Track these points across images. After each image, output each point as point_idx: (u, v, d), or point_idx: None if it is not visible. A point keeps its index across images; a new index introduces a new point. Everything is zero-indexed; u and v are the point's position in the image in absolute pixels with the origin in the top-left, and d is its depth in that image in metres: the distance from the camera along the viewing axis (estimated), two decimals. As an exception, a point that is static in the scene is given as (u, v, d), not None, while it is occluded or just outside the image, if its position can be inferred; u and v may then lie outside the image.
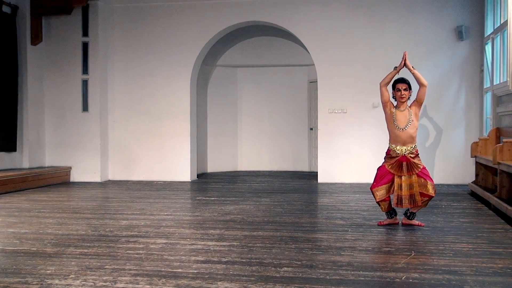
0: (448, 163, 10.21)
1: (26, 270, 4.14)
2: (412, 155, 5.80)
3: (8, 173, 9.35)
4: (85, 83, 10.88)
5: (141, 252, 4.69)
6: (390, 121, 5.92)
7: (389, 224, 5.95)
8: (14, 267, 4.23)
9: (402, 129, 5.81)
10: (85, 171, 10.90)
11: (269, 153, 13.30)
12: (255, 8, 10.76)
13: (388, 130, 5.98)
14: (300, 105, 13.13)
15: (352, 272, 4.03)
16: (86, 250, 4.77)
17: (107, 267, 4.20)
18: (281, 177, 11.58)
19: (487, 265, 4.22)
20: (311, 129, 12.92)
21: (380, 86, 5.94)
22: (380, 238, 5.22)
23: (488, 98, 9.65)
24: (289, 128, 13.16)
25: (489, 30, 9.58)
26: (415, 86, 5.85)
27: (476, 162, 8.83)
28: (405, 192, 5.76)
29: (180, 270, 4.10)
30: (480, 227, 5.88)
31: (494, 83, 9.03)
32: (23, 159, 10.50)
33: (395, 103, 5.97)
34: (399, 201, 5.77)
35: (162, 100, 11.05)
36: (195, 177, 11.33)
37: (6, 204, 7.73)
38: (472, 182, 8.89)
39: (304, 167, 13.11)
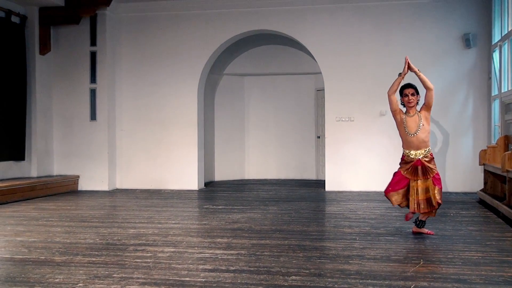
0: (456, 171, 10.16)
1: (35, 278, 4.15)
2: (426, 159, 5.80)
3: (17, 182, 9.39)
4: (93, 92, 10.93)
5: (149, 260, 4.69)
6: (401, 127, 5.93)
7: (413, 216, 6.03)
8: (23, 275, 4.24)
9: (413, 134, 5.83)
10: (93, 179, 10.93)
11: (276, 162, 13.29)
12: (262, 17, 10.79)
13: (400, 136, 5.99)
14: (307, 113, 13.13)
15: (361, 281, 4.01)
16: (94, 259, 4.77)
17: (115, 275, 4.20)
18: (289, 186, 11.56)
19: (497, 273, 4.19)
20: (318, 137, 12.91)
21: (388, 95, 5.95)
22: (389, 247, 5.20)
23: (496, 106, 9.61)
24: (296, 136, 13.15)
25: (496, 37, 9.56)
26: (423, 91, 5.85)
27: (485, 170, 8.79)
28: (421, 196, 5.76)
29: (188, 279, 4.10)
30: (489, 235, 5.84)
31: (502, 91, 9.00)
32: (31, 168, 10.55)
33: (404, 110, 5.97)
34: (418, 206, 5.76)
35: (169, 109, 11.09)
36: (202, 186, 11.33)
37: (14, 213, 7.76)
38: (480, 190, 8.85)
39: (312, 175, 13.08)
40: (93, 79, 10.92)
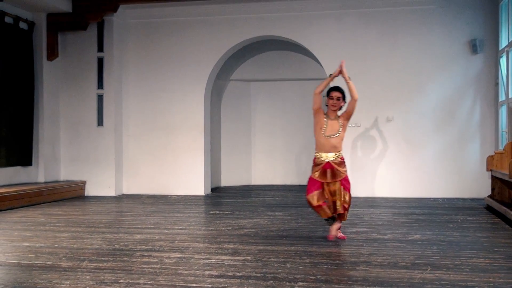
0: (463, 177, 10.12)
1: (42, 284, 4.16)
2: (336, 162, 5.88)
3: (24, 187, 9.42)
4: (100, 98, 10.97)
5: (155, 266, 4.69)
6: (318, 128, 6.00)
7: (339, 229, 5.99)
8: (30, 281, 4.25)
9: (328, 137, 5.91)
10: (99, 185, 10.95)
11: (283, 167, 13.28)
12: (268, 23, 10.81)
13: (315, 137, 6.06)
14: (313, 119, 13.08)
15: (368, 287, 3.99)
16: (100, 264, 4.78)
17: (121, 281, 4.21)
18: (295, 191, 11.54)
19: (505, 280, 4.17)
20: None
21: (314, 93, 6.01)
22: (396, 253, 5.18)
23: (503, 112, 9.58)
24: (302, 142, 13.13)
25: (503, 43, 9.54)
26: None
27: (492, 176, 8.75)
28: (331, 198, 5.87)
29: (194, 285, 4.10)
30: (497, 241, 5.81)
31: (509, 96, 8.97)
32: (38, 173, 10.58)
33: (326, 111, 6.07)
34: (334, 208, 5.87)
35: (176, 115, 11.11)
36: (209, 191, 11.34)
37: (21, 218, 7.78)
38: (488, 196, 8.80)
39: (318, 181, 13.04)
40: (100, 85, 10.96)
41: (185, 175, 11.04)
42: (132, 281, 4.21)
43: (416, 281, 4.14)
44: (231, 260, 4.93)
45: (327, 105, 6.04)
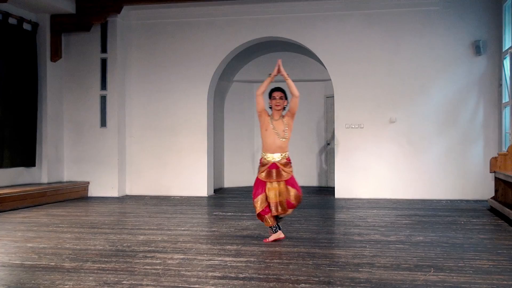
0: (466, 178, 10.11)
1: (45, 285, 4.16)
2: (281, 163, 5.92)
3: (27, 188, 9.44)
4: (103, 99, 10.99)
5: (158, 267, 4.69)
6: (263, 129, 6.03)
7: (275, 240, 5.92)
8: (33, 281, 4.26)
9: (275, 138, 5.94)
10: (103, 186, 10.97)
11: (286, 168, 13.25)
12: (271, 24, 10.81)
13: (262, 138, 6.08)
14: (316, 120, 13.12)
15: (371, 289, 3.99)
16: (103, 265, 4.78)
17: (124, 282, 4.21)
18: (298, 193, 11.53)
19: (508, 282, 4.15)
20: (328, 144, 12.89)
21: (256, 95, 6.04)
22: (399, 255, 5.17)
23: (506, 113, 9.56)
24: (305, 143, 13.14)
25: (507, 44, 9.53)
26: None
27: (495, 178, 8.74)
28: (276, 199, 5.87)
29: (197, 286, 4.09)
30: (501, 243, 5.79)
31: (513, 98, 8.96)
32: (42, 174, 10.60)
33: (270, 112, 6.09)
34: (276, 208, 5.87)
35: (179, 116, 11.12)
36: (212, 192, 11.34)
37: (25, 219, 7.79)
38: (491, 198, 8.79)
39: (321, 182, 13.06)
40: (103, 85, 10.98)
41: (188, 176, 11.04)
42: (135, 282, 4.21)
43: (419, 283, 4.13)
44: (234, 261, 4.93)
45: (270, 107, 6.10)
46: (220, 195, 11.16)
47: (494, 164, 8.78)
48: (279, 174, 5.89)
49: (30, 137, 10.29)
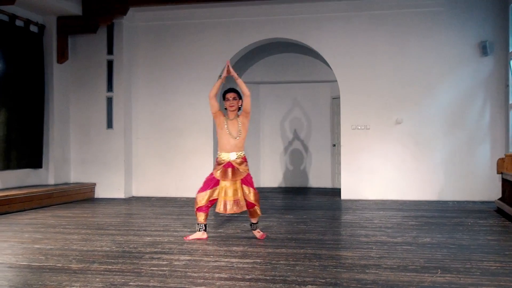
0: (473, 179, 10.07)
1: (52, 286, 4.17)
2: (237, 161, 6.04)
3: (34, 190, 9.47)
4: (109, 101, 11.02)
5: (165, 268, 4.70)
6: (219, 130, 6.14)
7: (197, 240, 6.09)
8: (40, 283, 4.27)
9: (229, 138, 6.05)
10: (109, 187, 10.99)
11: (292, 170, 13.28)
12: (277, 25, 10.81)
13: (218, 138, 6.19)
14: (322, 121, 13.11)
15: (377, 291, 3.98)
16: (110, 267, 4.79)
17: (131, 283, 4.21)
18: (304, 194, 11.54)
19: (516, 284, 4.14)
20: (334, 145, 12.88)
21: (209, 97, 6.20)
22: (406, 256, 5.15)
23: (514, 114, 9.53)
24: (311, 144, 13.14)
25: (514, 45, 9.49)
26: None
27: (503, 179, 8.70)
28: (230, 197, 5.97)
29: (203, 287, 4.10)
30: (508, 245, 5.77)
31: (520, 99, 8.92)
32: (48, 175, 10.65)
33: (226, 113, 6.24)
34: (224, 206, 5.98)
35: (185, 117, 11.13)
36: (218, 194, 11.32)
37: (32, 220, 7.82)
38: (498, 199, 8.75)
39: (327, 184, 13.05)
40: (109, 87, 11.01)
41: (194, 178, 10.99)
42: (141, 283, 4.22)
43: (426, 285, 4.12)
44: (241, 262, 4.92)
45: (226, 108, 6.21)
46: (226, 197, 11.13)
47: (501, 165, 8.74)
48: (234, 173, 6.02)
49: (37, 138, 10.33)
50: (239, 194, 6.00)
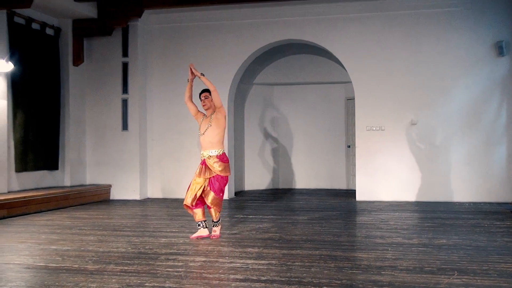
0: (489, 181, 9.98)
1: (69, 286, 4.21)
2: (211, 160, 6.22)
3: (51, 191, 9.55)
4: (125, 103, 11.09)
5: (180, 270, 4.72)
6: (199, 129, 6.41)
7: (200, 237, 6.28)
8: (57, 284, 4.30)
9: (202, 134, 6.30)
10: (124, 189, 11.05)
11: (307, 171, 13.25)
12: (291, 27, 10.81)
13: None
14: (337, 122, 13.07)
15: (393, 292, 3.97)
16: (126, 268, 4.82)
17: (147, 284, 4.24)
18: (319, 195, 11.51)
19: (534, 286, 4.10)
20: (349, 146, 12.83)
21: (185, 102, 6.51)
22: (421, 258, 5.12)
23: (531, 114, 9.43)
24: (326, 146, 13.11)
25: (531, 45, 9.39)
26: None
27: (520, 180, 8.61)
28: (197, 192, 6.22)
29: (219, 289, 4.11)
30: (525, 246, 5.72)
31: (537, 99, 8.82)
32: (65, 177, 10.73)
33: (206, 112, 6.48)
34: (193, 200, 6.22)
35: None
36: (232, 195, 11.36)
37: (48, 222, 7.89)
38: (515, 200, 8.67)
39: (342, 185, 13.01)
40: (125, 89, 11.08)
41: (209, 179, 11.05)
42: (157, 284, 4.24)
43: (443, 287, 4.09)
44: (256, 264, 4.93)
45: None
46: (241, 198, 11.17)
47: (518, 166, 8.66)
48: (204, 171, 6.24)
49: (53, 140, 10.42)
50: (203, 193, 6.22)
